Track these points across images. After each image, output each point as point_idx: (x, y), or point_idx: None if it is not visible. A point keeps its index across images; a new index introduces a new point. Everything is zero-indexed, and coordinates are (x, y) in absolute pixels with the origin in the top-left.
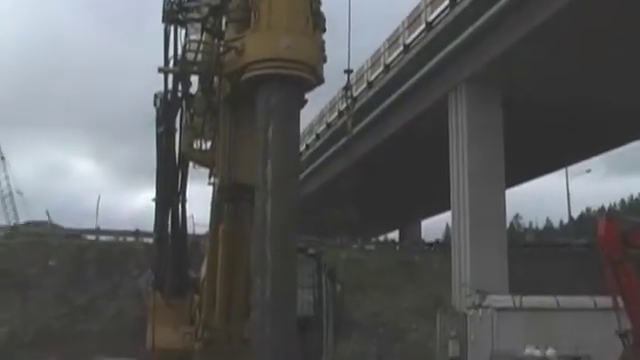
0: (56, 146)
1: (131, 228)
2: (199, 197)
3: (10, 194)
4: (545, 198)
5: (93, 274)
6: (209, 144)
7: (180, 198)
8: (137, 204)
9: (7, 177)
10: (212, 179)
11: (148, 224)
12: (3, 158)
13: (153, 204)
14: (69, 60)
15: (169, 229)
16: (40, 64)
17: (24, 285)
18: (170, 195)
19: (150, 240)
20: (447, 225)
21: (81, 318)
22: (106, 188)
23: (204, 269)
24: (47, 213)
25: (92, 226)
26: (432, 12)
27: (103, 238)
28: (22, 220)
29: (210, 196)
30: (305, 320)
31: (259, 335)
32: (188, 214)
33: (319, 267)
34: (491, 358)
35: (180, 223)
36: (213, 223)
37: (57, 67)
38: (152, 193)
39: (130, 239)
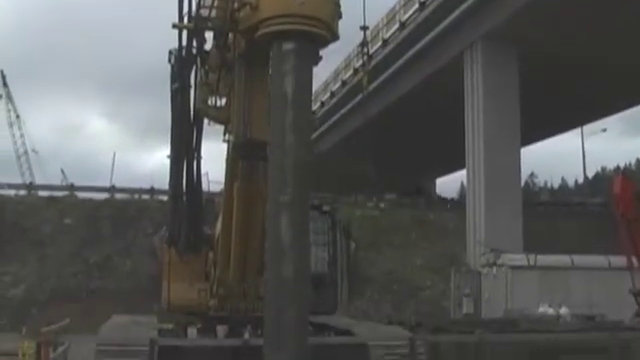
0: (71, 105)
1: (146, 186)
2: (214, 155)
3: (25, 152)
4: (560, 157)
5: (108, 232)
6: (224, 101)
7: (195, 155)
8: (152, 162)
9: (22, 135)
10: (227, 136)
11: (163, 182)
12: (18, 116)
13: (168, 161)
14: (83, 17)
15: (184, 186)
16: (54, 21)
17: (40, 243)
18: (185, 152)
19: (165, 198)
20: (462, 183)
21: (96, 275)
22: (121, 146)
23: (219, 226)
24: (62, 171)
25: (107, 184)
26: None
27: (118, 196)
28: (37, 178)
29: (225, 153)
30: (319, 277)
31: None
32: (203, 171)
33: (334, 224)
34: (505, 316)
35: (195, 179)
36: (228, 180)
37: (70, 25)
38: (167, 150)
39: (145, 197)
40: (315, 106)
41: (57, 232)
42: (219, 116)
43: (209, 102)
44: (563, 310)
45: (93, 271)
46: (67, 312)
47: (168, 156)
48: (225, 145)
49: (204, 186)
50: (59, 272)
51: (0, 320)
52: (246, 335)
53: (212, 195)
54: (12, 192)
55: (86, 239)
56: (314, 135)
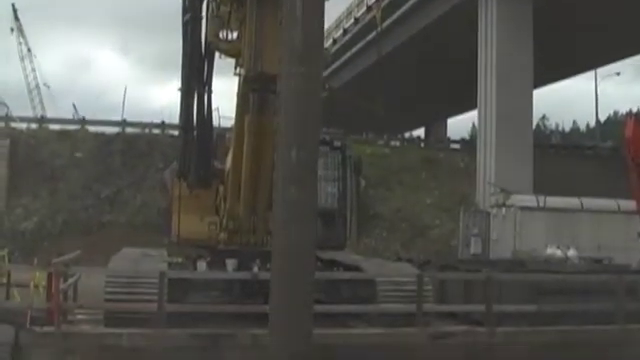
0: (82, 39)
1: (157, 120)
2: (224, 91)
3: (37, 87)
4: (573, 100)
5: (119, 166)
6: (235, 34)
7: (206, 88)
8: (163, 99)
9: (34, 70)
10: (238, 69)
11: (174, 117)
12: (29, 50)
13: (179, 95)
14: None
15: (194, 119)
16: None
17: (51, 176)
18: (196, 84)
19: (176, 132)
20: (473, 124)
21: (107, 209)
22: (132, 81)
23: (229, 160)
24: (74, 106)
25: (118, 119)
26: None
27: (129, 130)
28: (49, 113)
29: (236, 87)
30: (329, 212)
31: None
32: (214, 106)
33: (344, 159)
34: (513, 257)
35: (205, 113)
36: (238, 114)
37: None
38: (178, 85)
39: (156, 131)
40: (327, 43)
41: (68, 166)
42: (230, 49)
43: (220, 35)
44: (571, 252)
45: (104, 205)
46: (78, 245)
47: (179, 89)
48: (236, 79)
49: (215, 121)
50: (70, 206)
51: (12, 252)
52: (255, 269)
53: (223, 130)
54: (24, 125)
55: (97, 173)
56: (326, 72)
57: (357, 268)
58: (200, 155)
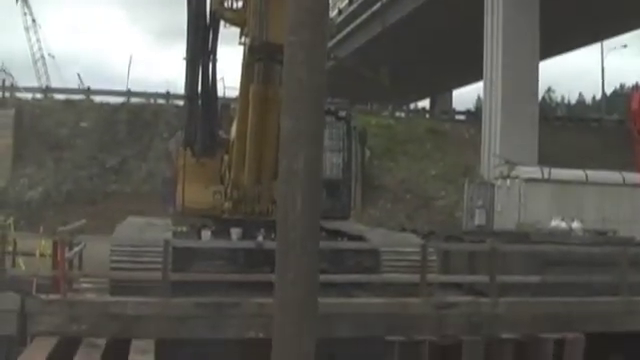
0: (88, 9)
1: (162, 91)
2: (230, 60)
3: (42, 57)
4: (579, 73)
5: (124, 136)
6: (240, 3)
7: (210, 57)
8: (169, 69)
9: (38, 40)
10: (243, 39)
11: (179, 87)
12: (34, 21)
13: (184, 64)
14: None
15: (199, 88)
16: None
17: (56, 146)
18: (201, 53)
19: (181, 102)
20: (478, 96)
21: (112, 179)
22: (138, 52)
23: (234, 130)
24: (78, 76)
25: (123, 89)
26: None
27: (134, 100)
28: (54, 83)
29: (241, 57)
30: (333, 182)
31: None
32: (219, 76)
33: (349, 130)
34: (517, 228)
35: (210, 82)
36: (244, 83)
37: None
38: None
39: (161, 101)
40: (333, 13)
41: (73, 135)
42: (235, 18)
43: (225, 4)
44: (575, 224)
45: (109, 174)
46: (83, 215)
47: (184, 58)
48: (241, 48)
49: (220, 92)
50: (75, 175)
51: (18, 221)
52: (260, 238)
53: (227, 101)
54: (29, 95)
55: (102, 143)
56: (331, 42)
57: (361, 238)
58: (205, 123)
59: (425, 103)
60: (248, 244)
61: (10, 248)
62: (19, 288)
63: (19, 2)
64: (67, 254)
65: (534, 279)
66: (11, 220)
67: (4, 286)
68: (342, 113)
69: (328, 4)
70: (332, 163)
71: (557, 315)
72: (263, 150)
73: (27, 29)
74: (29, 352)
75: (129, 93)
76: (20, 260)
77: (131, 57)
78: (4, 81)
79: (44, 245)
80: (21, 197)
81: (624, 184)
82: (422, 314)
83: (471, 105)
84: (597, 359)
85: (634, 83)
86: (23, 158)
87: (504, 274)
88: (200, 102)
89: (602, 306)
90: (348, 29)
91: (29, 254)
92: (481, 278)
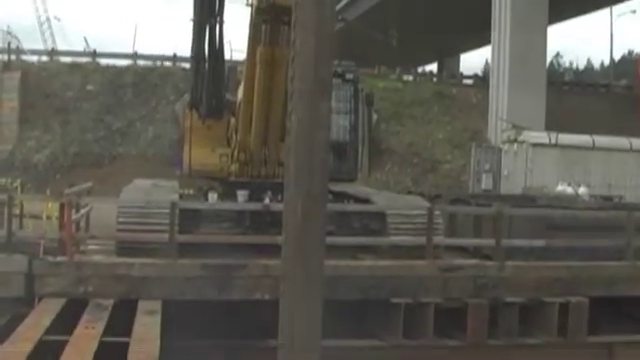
0: None
1: (169, 53)
2: (237, 21)
3: (47, 19)
4: (588, 39)
5: (130, 98)
6: None
7: (217, 18)
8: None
9: (44, 2)
10: (250, 0)
11: (186, 50)
12: None
13: (191, 25)
14: None
15: (206, 49)
16: None
17: (63, 109)
18: (208, 14)
19: (188, 65)
20: (486, 61)
21: (119, 142)
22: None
23: (241, 92)
24: (85, 39)
25: (130, 51)
26: None
27: (140, 63)
28: (60, 46)
29: (248, 18)
30: (340, 145)
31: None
32: (226, 39)
33: (356, 92)
34: (524, 193)
35: (217, 43)
36: (251, 45)
37: None
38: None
39: (168, 64)
40: None
41: (80, 98)
42: None
43: None
44: (581, 189)
45: (116, 137)
46: (90, 177)
47: (191, 19)
48: (248, 10)
49: (227, 54)
50: (82, 138)
51: (25, 184)
52: (266, 200)
53: (234, 63)
54: (35, 58)
55: (109, 105)
56: (340, 4)
57: (368, 201)
58: (212, 85)
59: (433, 67)
60: (255, 206)
61: (17, 211)
62: (27, 250)
63: None
64: (74, 216)
65: (539, 243)
66: (18, 183)
67: (12, 248)
68: (349, 75)
69: None
70: (339, 125)
71: (562, 279)
72: (270, 112)
73: None
74: (36, 313)
75: (135, 56)
76: (29, 222)
77: (137, 21)
78: (10, 44)
79: (51, 207)
80: (28, 160)
81: (631, 150)
82: (428, 276)
83: (479, 69)
84: (601, 323)
85: None
86: (30, 121)
87: (510, 238)
88: (207, 64)
89: (607, 271)
90: None
91: (36, 217)
92: (487, 241)
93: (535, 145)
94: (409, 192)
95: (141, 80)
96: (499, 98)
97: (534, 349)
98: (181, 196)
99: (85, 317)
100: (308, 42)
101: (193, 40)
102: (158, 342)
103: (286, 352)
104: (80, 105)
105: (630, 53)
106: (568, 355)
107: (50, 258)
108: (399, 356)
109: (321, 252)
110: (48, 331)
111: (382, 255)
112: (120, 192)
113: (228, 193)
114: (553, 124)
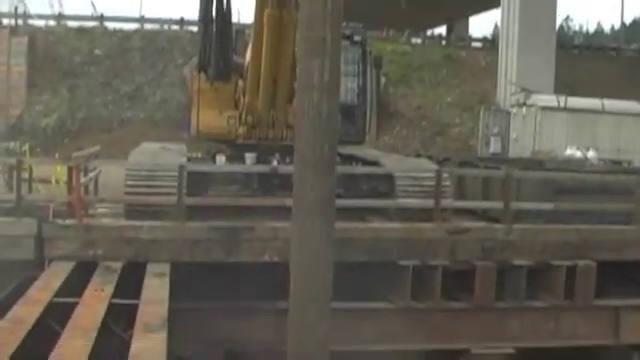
0: None
1: (176, 16)
2: None
3: None
4: (598, 2)
5: (138, 62)
6: None
7: None
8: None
9: None
10: None
11: (194, 13)
12: None
13: None
14: None
15: (214, 11)
16: None
17: (70, 73)
18: None
19: (195, 28)
20: (496, 23)
21: (126, 106)
22: None
23: (249, 54)
24: (92, 4)
25: (137, 15)
26: None
27: (148, 26)
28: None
29: None
30: (348, 107)
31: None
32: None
33: (364, 54)
34: (532, 157)
35: (225, 6)
36: (258, 7)
37: None
38: None
39: (175, 27)
40: None
41: (87, 63)
42: None
43: None
44: (590, 153)
45: (123, 101)
46: (98, 141)
47: None
48: None
49: (234, 17)
50: (90, 102)
51: (34, 149)
52: (274, 162)
53: (242, 26)
54: (42, 22)
55: (116, 70)
56: None
57: (376, 163)
58: (220, 46)
59: (441, 30)
60: (263, 168)
61: (26, 175)
62: (36, 213)
63: None
64: (82, 179)
65: (547, 206)
66: (27, 147)
67: (22, 212)
68: (357, 37)
69: None
70: (347, 88)
71: (569, 243)
72: (277, 74)
73: None
74: (46, 276)
75: (143, 20)
76: (39, 186)
77: None
78: (16, 8)
79: (60, 171)
80: (36, 124)
81: None
82: (436, 239)
83: (488, 32)
84: (608, 287)
85: None
86: (37, 85)
87: (518, 201)
88: (214, 26)
89: (615, 234)
90: None
91: (45, 181)
92: (495, 204)
93: (544, 108)
94: (417, 155)
95: (149, 44)
96: (508, 61)
97: (541, 312)
98: (189, 159)
99: (94, 279)
100: (316, 3)
101: (200, 3)
102: (167, 304)
103: (296, 314)
104: (88, 69)
105: None
106: (575, 318)
107: (59, 221)
108: (407, 318)
109: (331, 214)
110: (58, 293)
111: (390, 217)
112: (128, 156)
113: (236, 156)
114: (562, 88)
